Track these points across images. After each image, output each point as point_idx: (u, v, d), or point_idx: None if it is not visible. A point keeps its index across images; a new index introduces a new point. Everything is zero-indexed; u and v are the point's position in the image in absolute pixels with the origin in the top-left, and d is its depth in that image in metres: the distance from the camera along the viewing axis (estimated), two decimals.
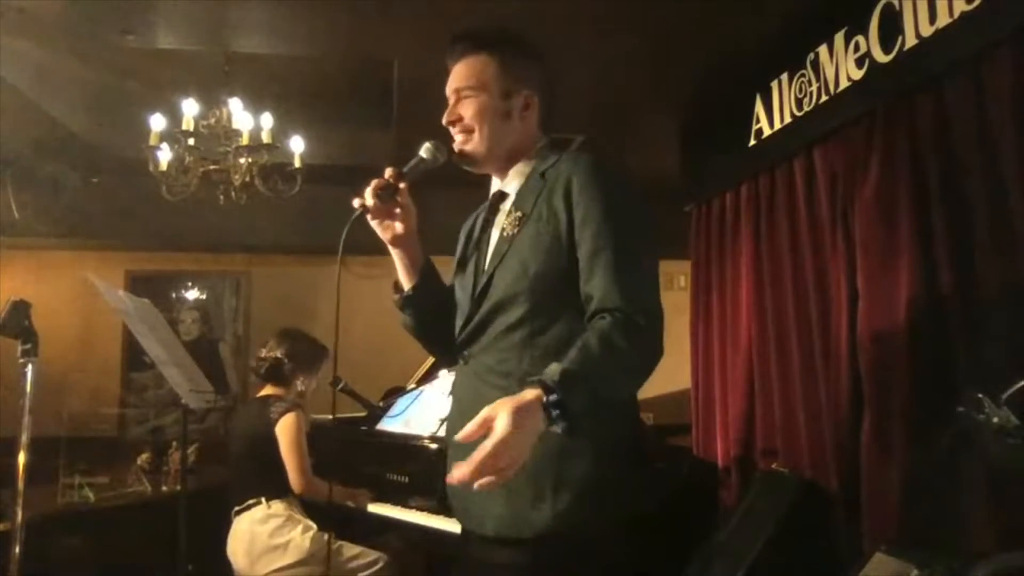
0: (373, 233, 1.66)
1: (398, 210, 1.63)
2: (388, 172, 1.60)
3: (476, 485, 1.20)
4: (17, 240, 5.30)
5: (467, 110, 1.62)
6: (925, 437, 2.24)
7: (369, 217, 1.62)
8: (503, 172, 1.68)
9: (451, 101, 1.65)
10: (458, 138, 1.64)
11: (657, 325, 1.44)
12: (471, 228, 1.77)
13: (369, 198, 1.58)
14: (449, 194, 1.88)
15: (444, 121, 1.65)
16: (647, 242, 1.53)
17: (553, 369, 1.30)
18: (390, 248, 1.68)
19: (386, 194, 1.59)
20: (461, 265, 1.72)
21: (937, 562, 1.80)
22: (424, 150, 1.63)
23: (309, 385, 3.15)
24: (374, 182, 1.59)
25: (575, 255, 1.50)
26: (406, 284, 1.71)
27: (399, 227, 1.64)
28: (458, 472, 1.20)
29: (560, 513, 1.44)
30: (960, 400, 1.75)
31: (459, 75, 1.64)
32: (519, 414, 1.22)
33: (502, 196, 1.68)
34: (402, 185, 1.60)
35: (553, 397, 1.26)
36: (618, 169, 1.56)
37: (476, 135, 1.62)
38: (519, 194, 1.63)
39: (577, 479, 1.45)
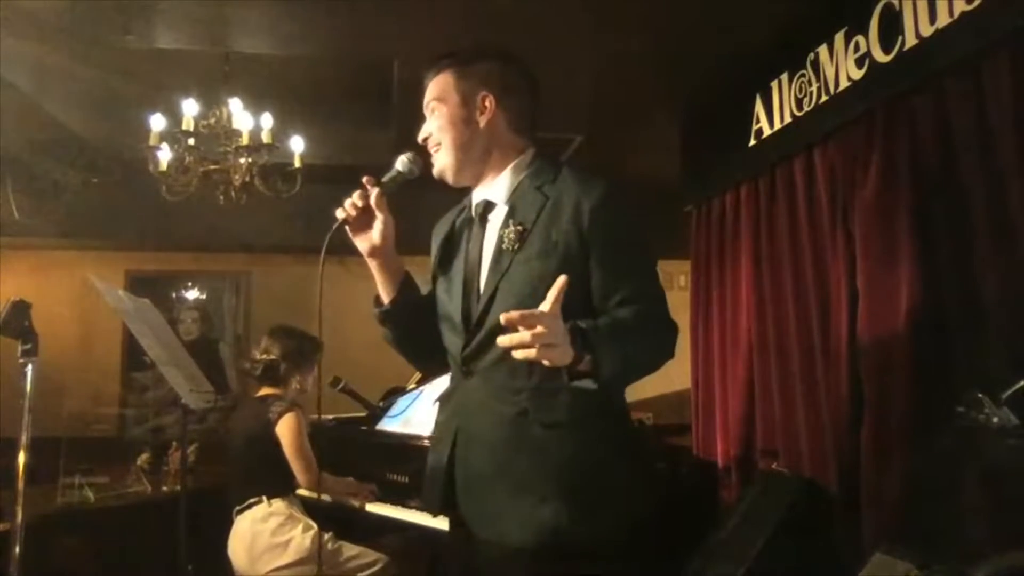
0: None
1: (376, 222, 1.62)
2: (365, 179, 1.62)
3: (507, 340, 1.29)
4: (17, 240, 5.31)
5: (433, 124, 1.65)
6: (925, 437, 2.24)
7: (348, 229, 1.62)
8: (483, 180, 1.66)
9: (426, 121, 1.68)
10: (432, 153, 1.66)
11: (675, 330, 1.56)
12: (449, 234, 1.74)
13: (350, 209, 1.60)
14: (432, 196, 1.87)
15: (419, 139, 1.67)
16: (655, 262, 1.64)
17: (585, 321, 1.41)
18: (368, 260, 1.66)
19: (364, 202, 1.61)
20: (445, 273, 1.70)
21: (937, 562, 1.80)
22: (400, 163, 1.64)
23: (305, 383, 3.15)
24: (354, 194, 1.61)
25: (586, 278, 1.52)
26: (385, 297, 1.68)
27: (376, 238, 1.62)
28: (505, 315, 1.29)
29: (563, 519, 1.46)
30: (960, 400, 1.75)
31: (426, 94, 1.67)
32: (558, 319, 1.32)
33: (488, 205, 1.65)
34: (374, 192, 1.60)
35: (582, 325, 1.36)
36: (621, 190, 1.59)
37: (443, 147, 1.64)
38: (514, 206, 1.61)
39: (578, 487, 1.49)
